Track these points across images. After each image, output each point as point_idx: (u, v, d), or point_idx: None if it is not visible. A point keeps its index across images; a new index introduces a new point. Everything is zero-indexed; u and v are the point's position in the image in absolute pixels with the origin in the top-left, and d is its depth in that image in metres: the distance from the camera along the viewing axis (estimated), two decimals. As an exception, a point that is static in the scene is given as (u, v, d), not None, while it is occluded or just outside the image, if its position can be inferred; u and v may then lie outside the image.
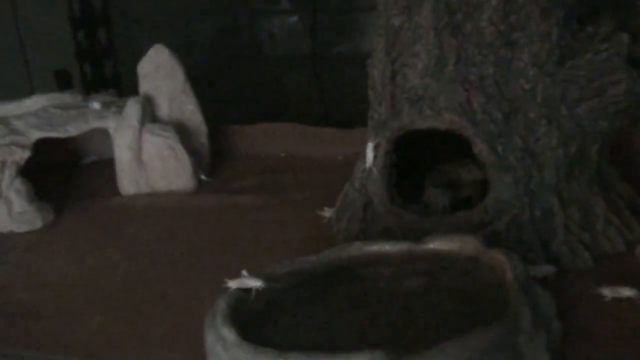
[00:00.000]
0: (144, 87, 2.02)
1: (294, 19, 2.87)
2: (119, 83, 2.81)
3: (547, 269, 1.25)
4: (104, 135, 1.99)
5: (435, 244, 1.15)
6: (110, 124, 1.94)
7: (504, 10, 1.29)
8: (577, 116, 1.32)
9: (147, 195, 1.92)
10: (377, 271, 1.14)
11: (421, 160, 1.57)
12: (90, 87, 2.69)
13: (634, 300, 1.18)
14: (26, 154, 1.80)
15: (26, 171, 1.81)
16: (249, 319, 1.01)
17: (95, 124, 1.94)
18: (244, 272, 1.07)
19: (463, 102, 1.31)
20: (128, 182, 1.93)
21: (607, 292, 1.20)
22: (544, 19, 1.29)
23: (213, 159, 2.12)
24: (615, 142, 1.47)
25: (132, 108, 1.91)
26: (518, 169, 1.30)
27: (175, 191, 1.92)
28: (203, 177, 1.99)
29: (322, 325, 1.05)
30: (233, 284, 1.05)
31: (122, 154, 1.90)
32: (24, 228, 1.74)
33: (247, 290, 1.05)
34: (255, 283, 1.05)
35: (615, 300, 1.19)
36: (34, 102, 1.99)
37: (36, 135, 1.85)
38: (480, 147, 1.31)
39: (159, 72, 2.00)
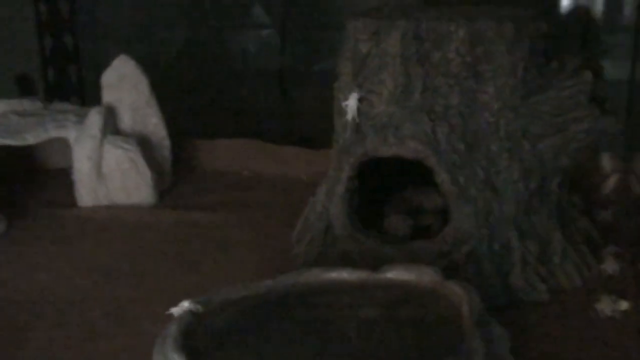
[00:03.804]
0: (107, 97, 1.98)
1: (265, 33, 2.86)
2: (82, 91, 2.76)
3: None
4: (65, 144, 1.95)
5: (393, 274, 1.14)
6: (70, 133, 1.89)
7: (471, 42, 1.30)
8: (539, 151, 1.33)
9: (106, 208, 1.88)
10: (334, 299, 1.12)
11: (384, 186, 1.57)
12: (54, 94, 2.64)
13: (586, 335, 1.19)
14: (-20, 161, 1.75)
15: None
16: (201, 345, 0.98)
17: (55, 133, 1.89)
18: (185, 303, 1.05)
19: (427, 132, 1.31)
20: (86, 193, 1.89)
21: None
22: (510, 52, 1.30)
23: (175, 173, 2.09)
24: (575, 176, 1.49)
25: (94, 118, 1.88)
26: (478, 201, 1.31)
27: (135, 205, 1.89)
28: None
29: (276, 352, 1.03)
30: (175, 311, 1.03)
31: (81, 164, 1.86)
32: (-26, 237, 1.69)
33: (199, 314, 1.03)
34: (193, 307, 1.03)
35: (568, 337, 1.20)
36: (-7, 108, 1.95)
37: (-9, 142, 1.80)
38: (442, 177, 1.31)
39: (123, 83, 1.97)
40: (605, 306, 1.28)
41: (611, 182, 1.78)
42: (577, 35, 1.48)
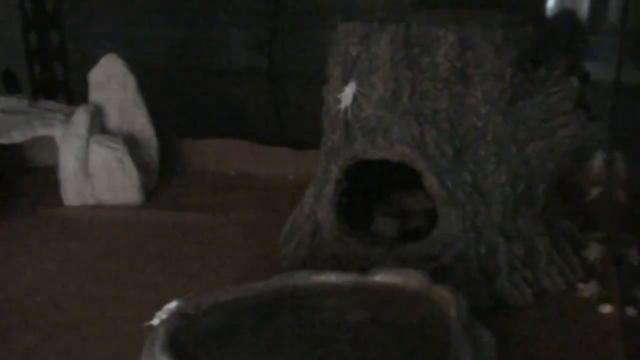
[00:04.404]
0: (94, 96, 1.97)
1: (254, 33, 2.85)
2: (69, 88, 2.73)
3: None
4: (51, 143, 1.93)
5: (381, 277, 1.15)
6: (56, 132, 1.88)
7: (460, 46, 1.30)
8: (526, 156, 1.34)
9: (92, 207, 1.87)
10: (322, 302, 1.13)
11: (373, 188, 1.57)
12: (39, 91, 2.61)
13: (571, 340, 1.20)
14: (-34, 159, 1.73)
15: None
16: (190, 348, 0.98)
17: (42, 131, 1.88)
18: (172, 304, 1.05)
19: (416, 135, 1.31)
20: (72, 192, 1.87)
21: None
22: (498, 57, 1.31)
23: (162, 173, 2.08)
24: (562, 181, 1.50)
25: (81, 117, 1.87)
26: (466, 205, 1.31)
27: (122, 205, 1.88)
28: None
29: (264, 355, 1.03)
30: (159, 315, 1.03)
31: (68, 163, 1.85)
32: (-42, 236, 1.68)
33: (188, 317, 1.03)
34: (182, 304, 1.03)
35: (553, 341, 1.21)
36: (-22, 105, 1.93)
37: (-23, 140, 1.79)
38: (430, 181, 1.31)
39: (111, 81, 1.96)
40: (584, 288, 1.35)
41: (596, 190, 1.79)
42: (563, 39, 1.49)
